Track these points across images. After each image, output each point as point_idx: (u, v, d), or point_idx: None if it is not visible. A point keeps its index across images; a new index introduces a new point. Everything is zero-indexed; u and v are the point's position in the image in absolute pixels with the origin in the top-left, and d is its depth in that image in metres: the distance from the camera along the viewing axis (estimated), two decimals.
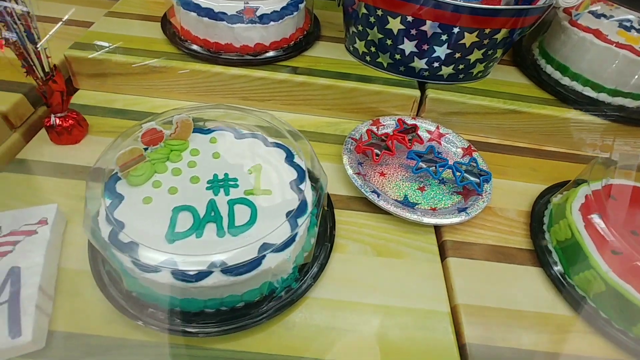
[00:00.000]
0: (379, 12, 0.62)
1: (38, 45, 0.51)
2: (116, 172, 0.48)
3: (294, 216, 0.46)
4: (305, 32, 0.75)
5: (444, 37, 0.62)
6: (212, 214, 0.45)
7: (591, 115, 0.68)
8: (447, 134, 0.68)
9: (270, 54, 0.70)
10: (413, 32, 0.62)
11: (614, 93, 0.67)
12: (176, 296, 0.42)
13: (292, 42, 0.72)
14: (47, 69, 0.53)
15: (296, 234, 0.44)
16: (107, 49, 0.68)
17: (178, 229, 0.43)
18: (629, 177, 0.57)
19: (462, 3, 0.57)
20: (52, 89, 0.55)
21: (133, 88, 0.70)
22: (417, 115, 0.71)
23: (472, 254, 0.54)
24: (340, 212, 0.56)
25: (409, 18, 0.60)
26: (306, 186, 0.50)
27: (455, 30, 0.60)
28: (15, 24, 0.47)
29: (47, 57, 0.53)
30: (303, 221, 0.45)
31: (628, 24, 0.69)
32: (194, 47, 0.69)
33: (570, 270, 0.51)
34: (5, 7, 0.46)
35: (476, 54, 0.65)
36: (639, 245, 0.46)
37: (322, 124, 0.70)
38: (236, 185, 0.49)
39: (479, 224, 0.57)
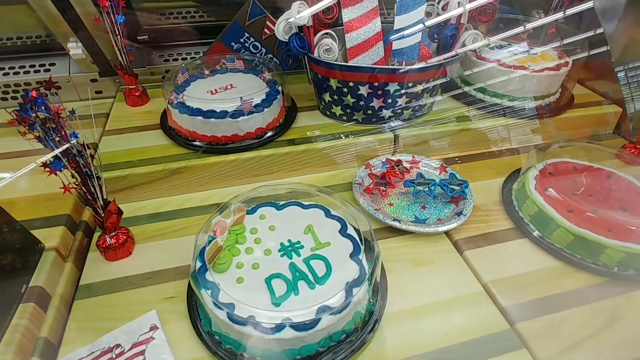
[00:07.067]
0: (351, 84, 0.80)
1: (100, 180, 0.58)
2: (200, 267, 0.57)
3: (356, 255, 0.59)
4: (287, 109, 0.90)
5: (402, 91, 0.81)
6: (297, 274, 0.56)
7: (517, 118, 0.92)
8: (422, 159, 0.86)
9: (269, 133, 0.83)
10: (379, 92, 0.81)
11: (522, 99, 0.93)
12: (295, 348, 0.52)
13: (281, 119, 0.87)
14: (105, 196, 0.61)
15: (364, 268, 0.57)
16: (126, 165, 0.76)
17: (278, 293, 0.53)
18: (557, 156, 0.80)
19: (411, 66, 0.78)
20: (111, 212, 0.62)
21: (155, 192, 0.78)
22: (394, 152, 0.89)
23: (478, 244, 0.71)
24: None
25: (375, 84, 0.79)
26: (350, 230, 0.63)
27: (410, 84, 0.80)
28: (85, 166, 0.55)
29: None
30: (363, 257, 0.59)
31: (516, 51, 0.96)
32: (199, 143, 0.80)
33: (545, 232, 0.70)
34: (79, 153, 0.54)
35: (426, 97, 0.85)
36: (583, 202, 0.67)
37: (325, 178, 0.84)
38: (302, 246, 0.60)
39: (473, 220, 0.75)
